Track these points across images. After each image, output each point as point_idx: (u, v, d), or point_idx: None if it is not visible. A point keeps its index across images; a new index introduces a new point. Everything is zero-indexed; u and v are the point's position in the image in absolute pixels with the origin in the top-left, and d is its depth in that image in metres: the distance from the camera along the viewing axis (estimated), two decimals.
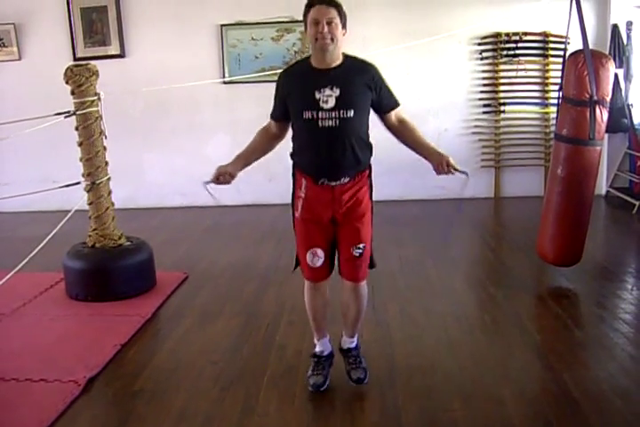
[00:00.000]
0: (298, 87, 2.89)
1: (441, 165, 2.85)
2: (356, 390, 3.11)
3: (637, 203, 6.45)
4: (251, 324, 3.95)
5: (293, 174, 3.05)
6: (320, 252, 2.98)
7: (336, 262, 3.09)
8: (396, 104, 2.98)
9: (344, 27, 2.82)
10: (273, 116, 3.04)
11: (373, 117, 2.98)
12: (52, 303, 4.39)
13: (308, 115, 2.81)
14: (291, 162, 3.05)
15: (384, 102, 2.94)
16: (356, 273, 3.05)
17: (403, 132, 2.99)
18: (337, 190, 2.91)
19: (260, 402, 3.00)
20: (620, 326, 3.74)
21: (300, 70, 2.94)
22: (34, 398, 3.07)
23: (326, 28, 2.73)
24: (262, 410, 2.93)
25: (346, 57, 2.88)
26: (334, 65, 2.84)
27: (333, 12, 2.75)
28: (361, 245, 2.97)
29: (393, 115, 2.98)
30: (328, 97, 2.78)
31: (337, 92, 2.79)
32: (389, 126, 3.01)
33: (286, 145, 3.08)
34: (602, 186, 7.29)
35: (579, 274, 4.61)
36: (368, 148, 2.97)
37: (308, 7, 2.79)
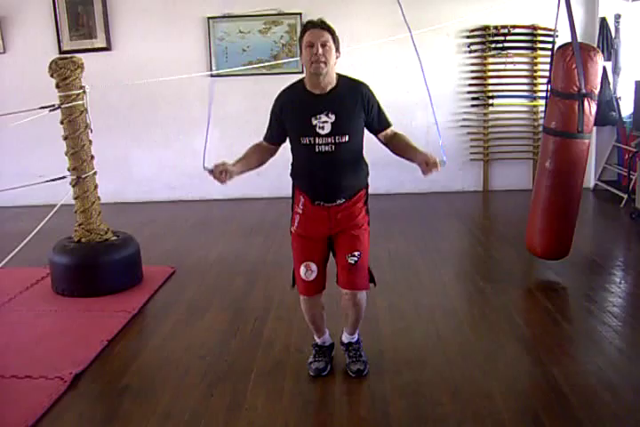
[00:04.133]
0: (294, 113, 2.93)
1: (424, 164, 2.78)
2: (344, 384, 3.10)
3: (625, 196, 6.46)
4: (238, 319, 3.92)
5: (293, 192, 3.10)
6: (313, 266, 3.03)
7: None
8: (387, 125, 3.02)
9: (337, 50, 2.87)
10: (266, 138, 3.06)
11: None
12: (38, 299, 4.35)
13: (305, 141, 2.88)
14: (290, 180, 3.09)
15: (375, 123, 2.99)
16: (353, 281, 3.06)
17: (395, 146, 3.02)
18: (332, 210, 2.98)
19: (248, 398, 2.98)
20: (608, 319, 3.74)
21: (296, 95, 2.96)
22: (19, 395, 3.03)
23: (320, 50, 2.78)
24: (250, 406, 2.92)
25: (339, 78, 2.92)
26: (329, 88, 2.89)
27: (327, 36, 2.81)
28: (356, 253, 3.02)
29: (386, 132, 3.03)
30: (324, 123, 2.85)
31: (332, 117, 2.85)
32: (384, 143, 3.05)
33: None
34: (590, 179, 7.30)
35: (567, 267, 4.61)
36: (364, 169, 3.05)
37: (303, 31, 2.85)
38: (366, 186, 3.09)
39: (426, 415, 2.80)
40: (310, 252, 3.05)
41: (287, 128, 2.96)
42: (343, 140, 2.87)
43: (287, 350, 3.47)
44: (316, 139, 2.86)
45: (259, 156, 3.06)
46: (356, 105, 2.89)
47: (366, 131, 3.00)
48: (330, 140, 2.86)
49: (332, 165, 2.90)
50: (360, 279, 3.07)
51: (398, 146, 3.00)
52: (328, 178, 2.92)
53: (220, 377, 3.19)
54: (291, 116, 2.94)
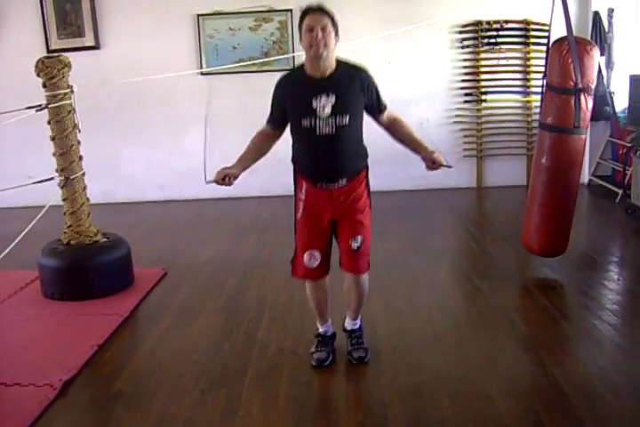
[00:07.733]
0: (295, 96, 2.98)
1: (428, 161, 3.00)
2: (341, 387, 3.05)
3: (620, 191, 6.42)
4: (232, 321, 3.86)
5: (295, 177, 3.15)
6: (317, 254, 3.10)
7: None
8: (385, 107, 3.09)
9: (337, 34, 2.91)
10: (270, 122, 3.12)
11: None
12: (27, 303, 4.27)
13: (306, 123, 2.92)
14: (291, 165, 3.15)
15: (375, 105, 3.06)
16: (356, 265, 3.16)
17: (395, 130, 3.12)
18: (335, 192, 3.04)
19: (243, 403, 2.92)
20: (607, 316, 3.69)
21: (297, 79, 3.03)
22: (7, 403, 2.96)
23: (320, 34, 2.83)
24: (245, 411, 2.85)
25: (338, 62, 2.97)
26: (328, 72, 2.94)
27: (326, 20, 2.87)
28: (359, 237, 3.09)
29: (385, 115, 3.10)
30: (325, 105, 2.90)
31: (333, 99, 2.90)
32: (383, 125, 3.13)
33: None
34: (584, 174, 7.25)
35: (564, 264, 4.57)
36: (363, 151, 3.12)
37: (303, 16, 2.91)
38: (366, 167, 3.15)
39: (425, 420, 2.74)
40: (314, 240, 3.10)
41: (288, 111, 3.00)
42: (344, 121, 2.91)
43: (282, 352, 3.41)
44: (317, 121, 2.90)
45: (262, 145, 3.12)
46: (355, 88, 2.95)
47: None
48: (331, 121, 2.90)
49: (334, 147, 2.94)
50: (363, 263, 3.17)
51: (402, 134, 3.10)
52: (330, 160, 2.96)
53: (213, 382, 3.12)
54: (291, 98, 2.99)
